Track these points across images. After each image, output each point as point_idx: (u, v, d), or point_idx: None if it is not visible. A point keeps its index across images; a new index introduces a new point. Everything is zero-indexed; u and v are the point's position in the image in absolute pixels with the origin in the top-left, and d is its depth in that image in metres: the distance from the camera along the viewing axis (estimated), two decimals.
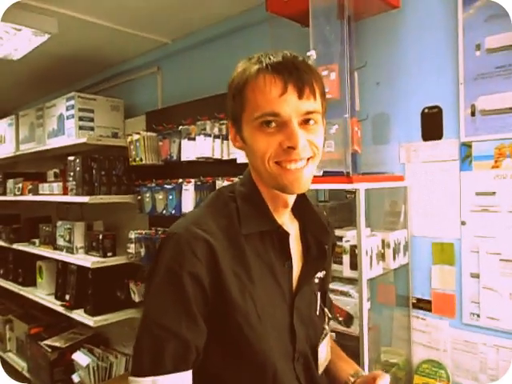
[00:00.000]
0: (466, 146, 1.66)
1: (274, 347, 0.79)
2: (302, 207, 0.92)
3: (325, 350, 0.92)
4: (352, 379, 0.94)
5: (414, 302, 1.82)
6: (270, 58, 0.77)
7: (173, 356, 0.72)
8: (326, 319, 0.95)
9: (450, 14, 1.68)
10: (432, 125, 1.74)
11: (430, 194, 1.77)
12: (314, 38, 1.54)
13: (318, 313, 0.92)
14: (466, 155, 1.67)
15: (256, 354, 0.77)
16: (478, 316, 1.64)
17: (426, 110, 1.75)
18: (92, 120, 2.95)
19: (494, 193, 1.60)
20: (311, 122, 0.77)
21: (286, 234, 0.84)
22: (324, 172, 1.48)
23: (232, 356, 0.78)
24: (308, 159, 0.78)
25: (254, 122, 0.77)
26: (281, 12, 1.78)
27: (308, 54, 1.47)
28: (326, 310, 0.95)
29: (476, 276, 1.64)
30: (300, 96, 0.75)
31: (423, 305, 1.80)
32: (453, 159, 1.70)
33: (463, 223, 1.68)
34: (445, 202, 1.73)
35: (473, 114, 1.64)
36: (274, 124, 0.76)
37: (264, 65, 0.77)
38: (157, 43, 2.88)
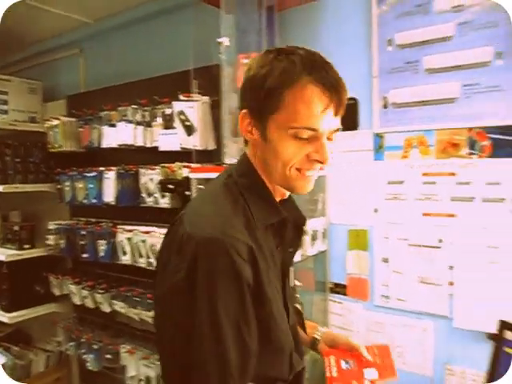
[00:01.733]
0: (379, 136, 1.74)
1: (286, 325, 0.86)
2: None
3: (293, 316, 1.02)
4: (318, 334, 1.11)
5: (332, 286, 1.89)
6: (314, 68, 0.77)
7: (243, 367, 0.74)
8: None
9: (365, 9, 1.74)
10: (349, 116, 1.80)
11: (347, 183, 1.84)
12: (226, 24, 1.53)
13: (292, 284, 1.02)
14: (379, 146, 1.75)
15: (280, 335, 0.82)
16: (388, 298, 1.74)
17: None
18: (5, 103, 2.74)
19: (402, 182, 1.69)
20: (333, 134, 0.82)
21: (288, 223, 0.89)
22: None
23: (264, 340, 0.79)
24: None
25: (288, 129, 0.78)
26: None
27: (219, 40, 1.45)
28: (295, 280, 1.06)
29: (386, 260, 1.74)
30: (336, 114, 0.79)
31: (340, 289, 1.88)
32: (367, 149, 1.78)
33: (376, 211, 1.77)
34: (360, 191, 1.81)
35: (385, 106, 1.71)
36: (306, 136, 0.78)
37: (313, 77, 0.76)
38: (78, 23, 2.71)
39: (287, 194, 0.92)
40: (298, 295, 1.05)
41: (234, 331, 0.72)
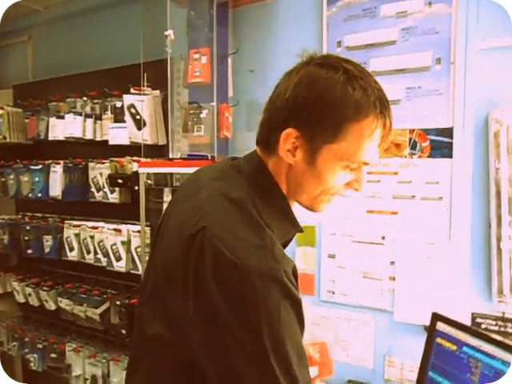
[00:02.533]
0: None
1: None
2: None
3: None
4: None
5: None
6: (385, 105, 0.74)
7: None
8: None
9: (317, 10, 1.77)
10: None
11: None
12: (175, 18, 1.52)
13: None
14: None
15: None
16: (333, 293, 1.79)
17: None
18: None
19: None
20: None
21: (301, 231, 0.88)
22: (188, 155, 1.48)
23: None
24: None
25: (345, 161, 0.75)
26: None
27: (166, 33, 1.44)
28: None
29: (332, 256, 1.79)
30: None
31: None
32: None
33: None
34: None
35: None
36: (356, 167, 0.77)
37: (385, 119, 0.74)
38: (27, 9, 2.61)
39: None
40: None
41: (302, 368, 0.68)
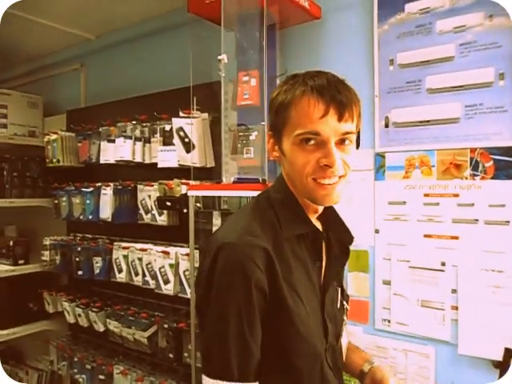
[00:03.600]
0: (380, 156, 1.72)
1: (318, 340, 0.88)
2: (325, 210, 0.99)
3: (345, 340, 1.03)
4: (367, 366, 1.08)
5: None
6: (314, 80, 0.83)
7: (239, 366, 0.78)
8: (345, 311, 1.04)
9: (367, 28, 1.73)
10: None
11: (348, 203, 1.81)
12: (226, 41, 1.52)
13: (338, 306, 1.00)
14: (380, 165, 1.72)
15: (308, 346, 0.84)
16: (389, 322, 1.69)
17: None
18: (5, 116, 2.73)
19: (404, 202, 1.66)
20: (346, 141, 0.85)
21: (322, 236, 0.94)
22: (238, 179, 1.46)
23: (285, 347, 0.83)
24: (340, 177, 0.85)
25: (294, 138, 0.84)
26: (202, 13, 1.75)
27: (219, 57, 1.44)
28: (344, 302, 1.04)
29: (388, 283, 1.70)
30: (340, 119, 0.81)
31: None
32: (368, 169, 1.75)
33: (377, 231, 1.73)
34: (361, 211, 1.77)
35: (386, 125, 1.69)
36: (313, 142, 0.83)
37: (309, 87, 0.82)
38: (80, 38, 2.73)
39: (320, 208, 0.95)
40: (345, 317, 1.03)
41: (237, 329, 0.77)
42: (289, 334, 0.82)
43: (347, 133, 0.83)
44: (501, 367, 1.23)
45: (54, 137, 2.51)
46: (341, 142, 0.84)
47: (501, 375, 1.22)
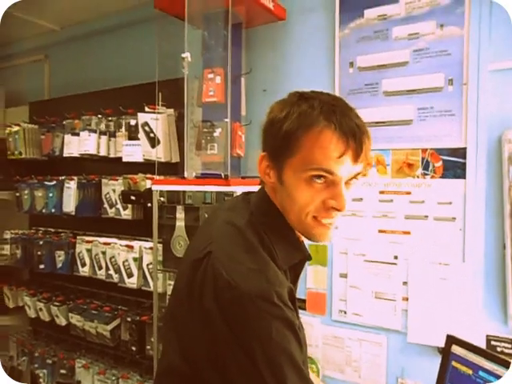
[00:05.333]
0: None
1: None
2: None
3: None
4: None
5: None
6: (335, 114, 0.75)
7: None
8: None
9: (329, 31, 1.80)
10: None
11: None
12: (191, 39, 1.55)
13: None
14: None
15: None
16: (345, 313, 1.77)
17: None
18: None
19: (361, 199, 1.74)
20: (353, 180, 0.79)
21: (310, 259, 0.89)
22: (201, 174, 1.50)
23: None
24: None
25: (304, 172, 0.76)
26: (168, 10, 1.77)
27: (183, 55, 1.47)
28: None
29: (344, 276, 1.78)
30: (355, 161, 0.76)
31: (300, 304, 1.88)
32: None
33: (336, 227, 1.80)
34: None
35: None
36: (322, 180, 0.76)
37: (332, 124, 0.75)
38: (44, 29, 2.68)
39: None
40: None
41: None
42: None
43: (358, 174, 0.79)
44: (443, 353, 1.32)
45: (15, 128, 2.47)
46: (348, 180, 0.79)
47: (442, 361, 1.31)
